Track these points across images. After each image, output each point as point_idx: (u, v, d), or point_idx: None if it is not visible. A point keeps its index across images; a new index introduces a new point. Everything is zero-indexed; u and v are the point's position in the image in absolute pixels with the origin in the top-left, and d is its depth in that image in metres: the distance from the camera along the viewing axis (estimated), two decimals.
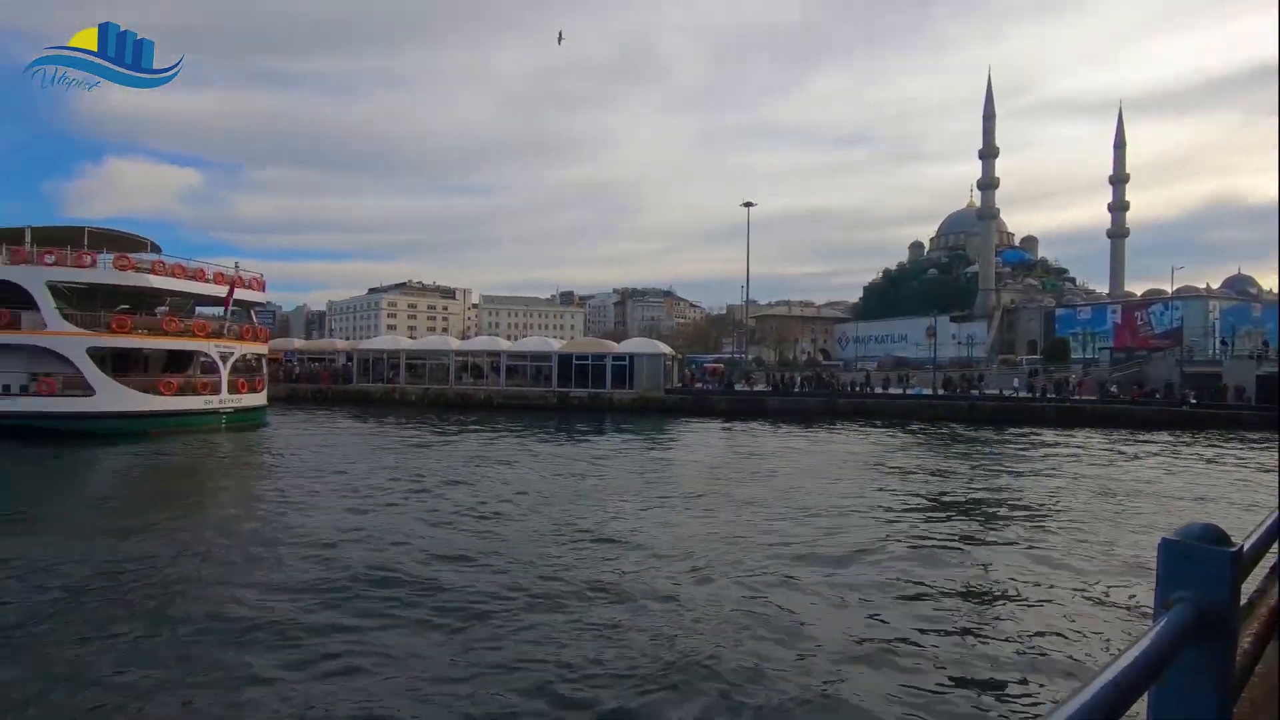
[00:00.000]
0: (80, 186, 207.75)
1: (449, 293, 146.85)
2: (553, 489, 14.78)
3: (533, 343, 43.64)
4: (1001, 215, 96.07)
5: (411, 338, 63.80)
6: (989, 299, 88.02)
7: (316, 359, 44.63)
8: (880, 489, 15.06)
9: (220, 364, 25.08)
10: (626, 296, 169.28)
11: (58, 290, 22.30)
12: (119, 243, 25.59)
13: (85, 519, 12.32)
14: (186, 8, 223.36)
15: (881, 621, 7.21)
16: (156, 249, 26.74)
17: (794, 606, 7.58)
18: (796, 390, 39.08)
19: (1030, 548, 10.34)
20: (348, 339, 74.91)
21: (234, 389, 25.32)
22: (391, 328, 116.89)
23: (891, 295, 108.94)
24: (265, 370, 29.32)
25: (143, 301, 25.93)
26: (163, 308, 27.14)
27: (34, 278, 22.08)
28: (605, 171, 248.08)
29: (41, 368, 22.36)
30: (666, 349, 41.53)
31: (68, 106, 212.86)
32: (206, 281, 25.94)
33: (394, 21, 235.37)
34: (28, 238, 23.44)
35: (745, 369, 48.85)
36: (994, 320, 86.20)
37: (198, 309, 28.31)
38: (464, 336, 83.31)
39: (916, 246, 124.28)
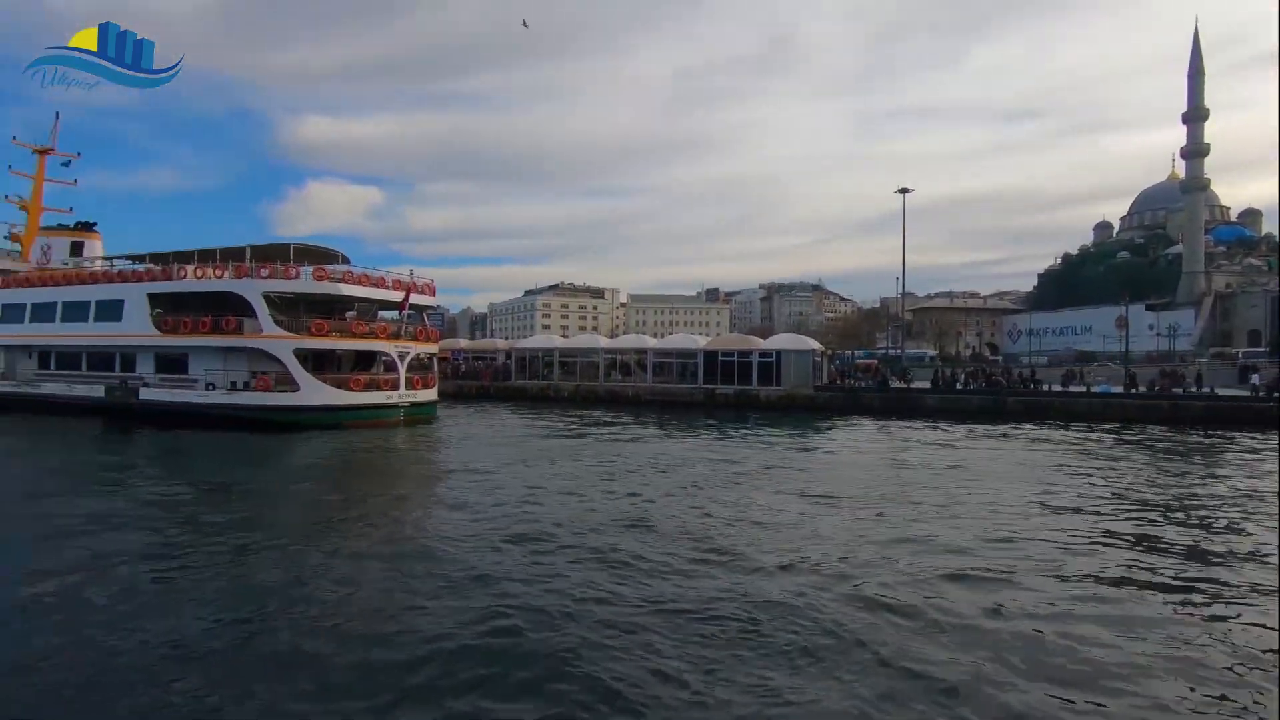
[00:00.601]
0: (286, 208, 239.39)
1: (598, 293, 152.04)
2: (702, 482, 14.85)
3: (678, 340, 44.05)
4: (1212, 187, 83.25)
5: (564, 336, 66.76)
6: (1196, 283, 76.63)
7: (479, 357, 47.98)
8: (1059, 502, 13.61)
9: (399, 363, 27.67)
10: (773, 292, 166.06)
11: (270, 299, 25.67)
12: (317, 256, 28.98)
13: (306, 490, 14.52)
14: (370, 43, 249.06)
15: (1075, 659, 6.51)
16: (346, 260, 29.98)
17: (958, 629, 7.09)
18: (959, 387, 36.32)
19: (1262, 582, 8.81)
20: (507, 338, 79.83)
21: (410, 385, 27.81)
22: (545, 327, 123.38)
23: (1072, 282, 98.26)
24: (436, 368, 31.95)
25: (335, 307, 29.22)
26: (351, 312, 30.48)
27: (253, 289, 25.61)
28: (751, 165, 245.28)
29: (259, 367, 25.95)
30: (815, 344, 40.25)
31: (277, 138, 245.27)
32: (387, 288, 28.72)
33: (544, 35, 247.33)
34: (248, 255, 27.24)
35: (902, 366, 46.14)
36: (1203, 308, 74.89)
37: (379, 313, 31.44)
38: (612, 335, 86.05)
39: (1103, 227, 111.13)
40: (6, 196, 38.82)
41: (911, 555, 9.38)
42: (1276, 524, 11.21)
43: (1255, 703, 5.45)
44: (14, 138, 38.87)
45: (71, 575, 8.44)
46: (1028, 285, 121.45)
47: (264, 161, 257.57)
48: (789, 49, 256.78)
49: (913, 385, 37.68)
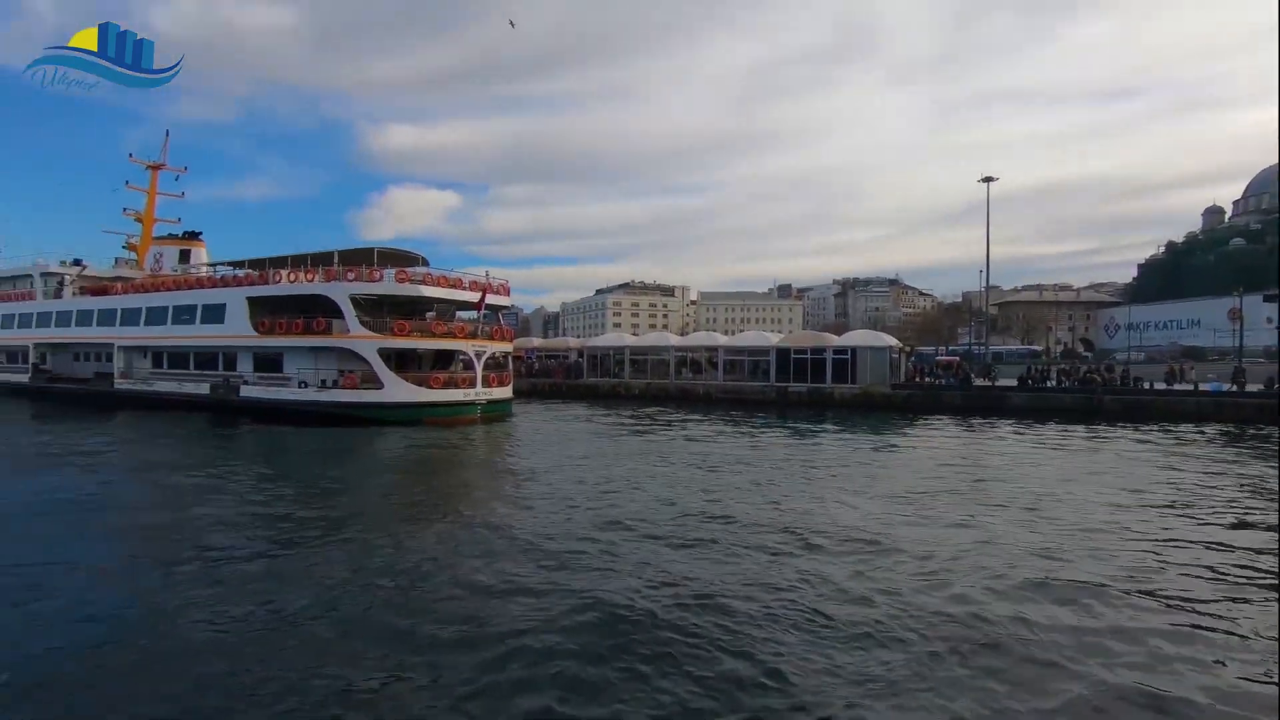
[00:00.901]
0: (369, 214, 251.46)
1: (668, 290, 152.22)
2: (778, 480, 14.65)
3: (750, 337, 43.54)
4: None
5: (634, 334, 67.09)
6: None
7: (552, 356, 48.82)
8: (1157, 506, 12.74)
9: (476, 361, 28.45)
10: (848, 287, 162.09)
11: (357, 301, 26.88)
12: (398, 259, 30.13)
13: (392, 482, 15.11)
14: (443, 52, 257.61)
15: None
16: (425, 263, 31.04)
17: (1054, 641, 6.74)
18: (1050, 385, 34.41)
19: None
20: (578, 337, 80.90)
21: (486, 384, 28.58)
22: (616, 325, 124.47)
23: (1178, 273, 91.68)
24: (511, 367, 32.72)
25: (416, 308, 30.33)
26: (431, 313, 31.57)
27: (341, 292, 26.90)
28: (825, 158, 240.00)
29: (347, 365, 27.23)
30: (892, 341, 39.01)
31: (361, 147, 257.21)
32: (464, 289, 29.57)
33: (614, 36, 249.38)
34: (335, 259, 28.67)
35: (985, 362, 44.09)
36: None
37: (457, 313, 32.45)
38: (683, 333, 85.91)
39: (1213, 212, 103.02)
40: (124, 210, 42.35)
41: (999, 559, 8.97)
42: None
43: None
44: (130, 155, 42.42)
45: (182, 558, 9.17)
46: (1126, 276, 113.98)
47: (349, 170, 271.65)
48: (863, 35, 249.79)
49: (998, 383, 35.97)
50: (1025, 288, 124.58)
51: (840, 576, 8.25)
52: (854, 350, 36.48)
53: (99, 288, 38.33)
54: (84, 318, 36.87)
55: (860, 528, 10.63)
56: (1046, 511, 11.88)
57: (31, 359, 39.35)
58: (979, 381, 36.09)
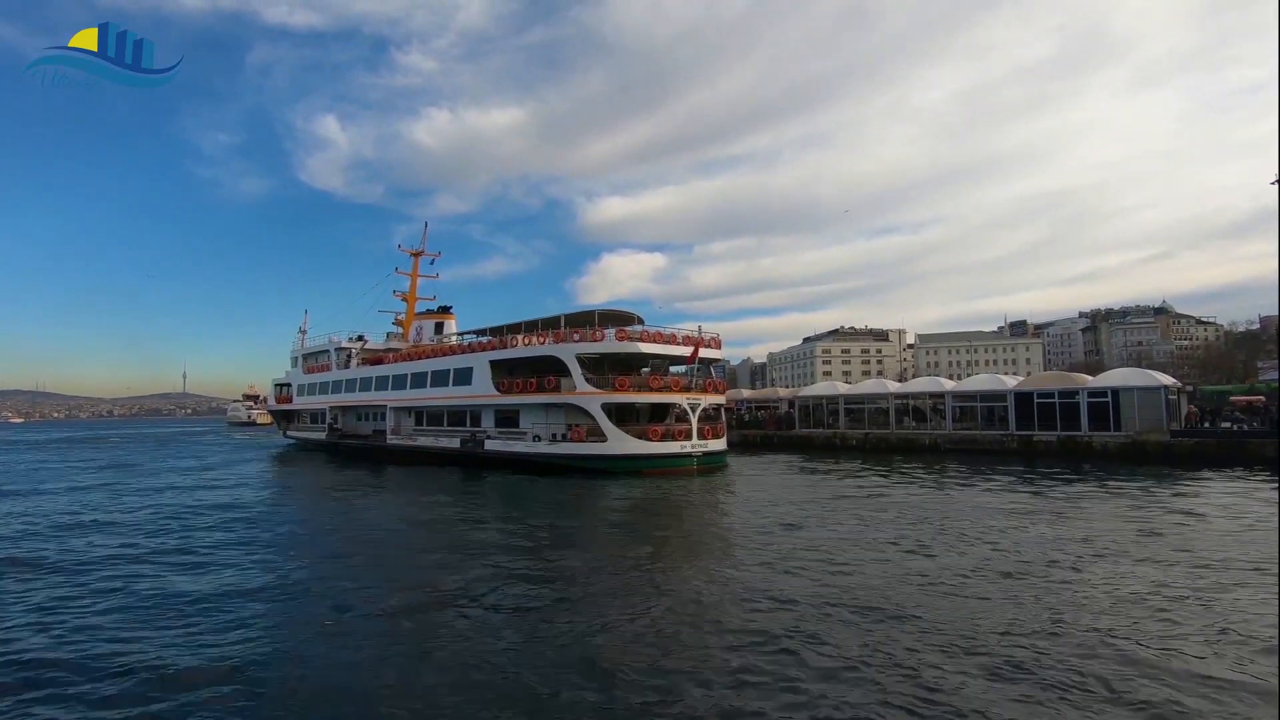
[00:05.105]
0: (586, 281, 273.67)
1: (882, 335, 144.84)
2: (1052, 551, 12.80)
3: (982, 381, 39.47)
4: None
5: (846, 382, 64.25)
6: None
7: (762, 406, 48.26)
8: None
9: (690, 414, 29.02)
10: (1098, 320, 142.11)
11: (582, 360, 28.94)
12: (617, 319, 31.98)
13: (621, 534, 15.66)
14: (649, 127, 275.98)
15: None
16: (641, 321, 32.53)
17: None
18: None
19: None
20: (788, 387, 79.34)
21: (701, 435, 28.96)
22: (827, 374, 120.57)
23: None
24: (723, 418, 32.81)
25: (633, 364, 31.81)
26: (646, 368, 32.92)
27: (568, 353, 29.17)
28: (1059, 179, 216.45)
29: (574, 420, 29.20)
30: (1167, 379, 33.07)
31: (580, 224, 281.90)
32: (677, 344, 30.56)
33: (813, 85, 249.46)
34: (562, 323, 31.24)
35: None
36: None
37: (670, 367, 33.44)
38: (901, 378, 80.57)
39: None
40: (394, 291, 50.46)
41: None
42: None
43: None
44: (399, 245, 50.77)
45: (430, 594, 10.20)
46: None
47: (569, 242, 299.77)
48: (1095, 41, 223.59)
49: None
50: None
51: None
52: (1115, 391, 31.51)
53: (375, 358, 45.42)
54: (365, 384, 43.78)
55: (1183, 618, 8.81)
56: None
57: (329, 419, 47.45)
58: None
